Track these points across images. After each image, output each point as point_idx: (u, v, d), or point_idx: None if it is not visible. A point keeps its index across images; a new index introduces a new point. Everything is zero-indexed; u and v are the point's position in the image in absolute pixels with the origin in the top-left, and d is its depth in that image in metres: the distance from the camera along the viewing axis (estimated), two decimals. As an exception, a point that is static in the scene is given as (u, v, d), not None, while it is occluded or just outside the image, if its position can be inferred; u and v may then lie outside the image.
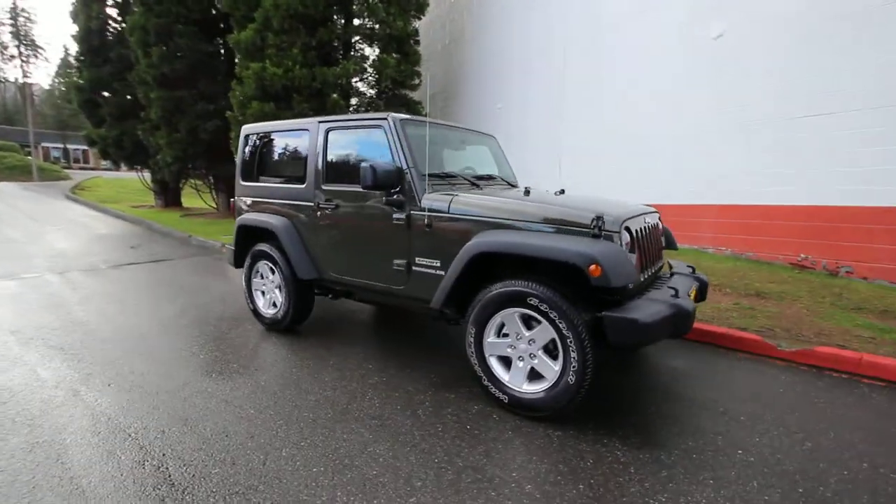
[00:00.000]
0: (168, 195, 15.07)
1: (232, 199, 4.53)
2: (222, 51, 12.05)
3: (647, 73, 7.37)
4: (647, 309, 2.36)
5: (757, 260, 6.30)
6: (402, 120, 3.24)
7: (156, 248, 8.52)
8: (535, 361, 2.58)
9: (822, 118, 5.58)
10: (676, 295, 2.60)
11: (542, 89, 9.09)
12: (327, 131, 3.59)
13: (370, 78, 9.52)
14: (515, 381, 2.64)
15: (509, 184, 3.89)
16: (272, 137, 4.12)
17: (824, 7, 5.54)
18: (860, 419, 2.69)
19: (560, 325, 2.40)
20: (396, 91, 9.69)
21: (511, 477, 2.08)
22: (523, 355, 2.62)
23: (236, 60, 9.66)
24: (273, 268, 3.94)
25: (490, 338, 2.71)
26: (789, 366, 3.48)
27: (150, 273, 6.53)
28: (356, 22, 9.74)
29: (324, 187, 3.58)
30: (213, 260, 7.74)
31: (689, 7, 6.82)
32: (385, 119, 3.24)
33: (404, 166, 3.09)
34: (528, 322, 2.60)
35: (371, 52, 9.61)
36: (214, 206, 13.15)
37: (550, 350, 2.55)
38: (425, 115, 10.55)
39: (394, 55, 9.26)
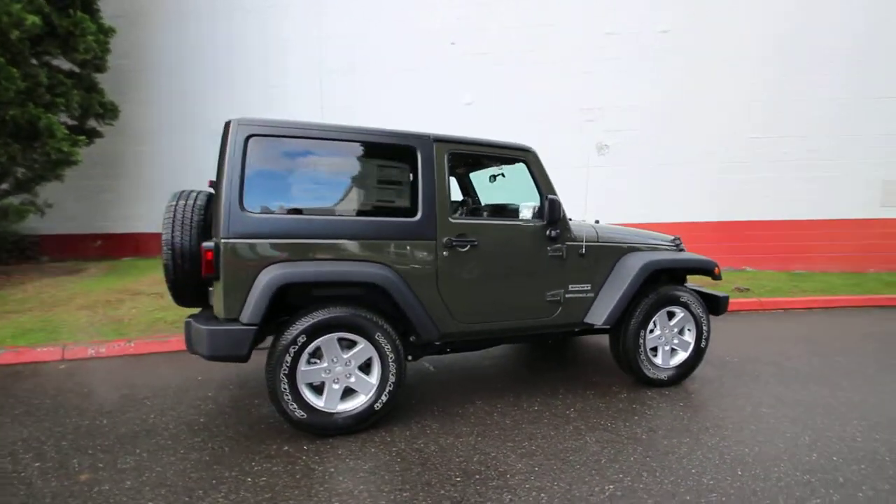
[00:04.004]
0: None
1: (205, 245, 2.56)
2: None
3: (411, 113, 8.58)
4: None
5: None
6: (534, 150, 3.31)
7: None
8: (676, 341, 3.59)
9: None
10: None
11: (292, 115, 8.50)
12: (450, 154, 2.98)
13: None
14: (666, 362, 3.55)
15: None
16: (323, 147, 2.78)
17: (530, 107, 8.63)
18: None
19: (697, 312, 3.55)
20: (87, 72, 6.44)
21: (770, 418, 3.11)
22: (669, 342, 3.56)
23: None
24: (361, 340, 2.74)
25: (648, 336, 3.47)
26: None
27: None
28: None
29: (453, 221, 2.96)
30: None
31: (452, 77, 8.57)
32: (529, 151, 3.22)
33: (556, 197, 3.23)
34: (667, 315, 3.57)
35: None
36: None
37: (682, 331, 3.62)
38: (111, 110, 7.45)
39: (87, 17, 6.14)
